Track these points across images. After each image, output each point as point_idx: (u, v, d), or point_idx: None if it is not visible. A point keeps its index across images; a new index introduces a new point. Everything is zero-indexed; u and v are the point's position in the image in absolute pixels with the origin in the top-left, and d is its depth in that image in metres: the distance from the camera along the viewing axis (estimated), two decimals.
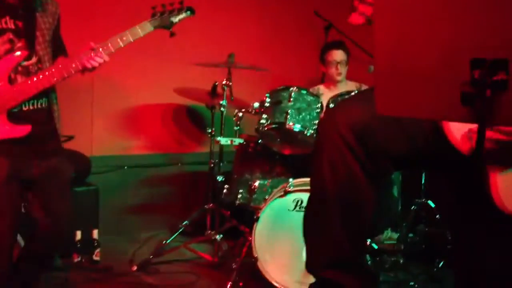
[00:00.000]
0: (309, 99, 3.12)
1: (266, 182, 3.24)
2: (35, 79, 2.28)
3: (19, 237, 2.69)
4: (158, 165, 4.25)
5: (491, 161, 1.48)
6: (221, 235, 3.47)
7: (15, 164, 2.30)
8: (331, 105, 3.13)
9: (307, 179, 2.61)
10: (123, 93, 4.08)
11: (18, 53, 2.26)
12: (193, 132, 4.45)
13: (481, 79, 1.15)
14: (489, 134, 1.40)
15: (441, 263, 3.25)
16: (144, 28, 2.36)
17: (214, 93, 3.64)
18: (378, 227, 3.52)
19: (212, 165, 3.72)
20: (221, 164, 3.80)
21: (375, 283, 2.00)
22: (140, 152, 4.23)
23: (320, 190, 1.79)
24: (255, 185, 3.22)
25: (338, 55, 3.87)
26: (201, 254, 3.45)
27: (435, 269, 3.25)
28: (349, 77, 3.97)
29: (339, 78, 3.88)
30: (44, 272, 2.74)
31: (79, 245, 3.27)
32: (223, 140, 3.46)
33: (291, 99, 3.06)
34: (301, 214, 1.93)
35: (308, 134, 3.04)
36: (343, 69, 3.88)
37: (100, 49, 2.32)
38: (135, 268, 3.30)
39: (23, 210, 2.49)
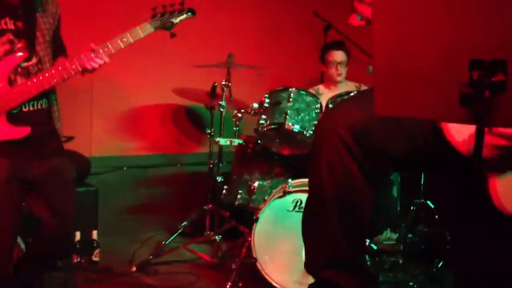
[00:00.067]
0: (308, 100, 3.12)
1: (265, 182, 3.24)
2: (34, 80, 2.27)
3: (19, 238, 2.69)
4: (157, 165, 4.25)
5: (492, 169, 1.48)
6: (221, 236, 3.47)
7: (15, 164, 2.30)
8: (330, 106, 3.13)
9: (306, 180, 2.59)
10: (122, 94, 4.08)
11: (19, 54, 2.25)
12: (192, 133, 4.44)
13: (480, 80, 1.15)
14: (489, 139, 1.40)
15: (441, 263, 3.25)
16: (144, 30, 2.35)
17: (213, 93, 3.64)
18: (377, 227, 3.53)
19: (211, 165, 3.72)
20: (220, 164, 3.80)
21: (374, 283, 2.01)
22: (140, 152, 4.23)
23: (318, 190, 1.80)
24: (254, 186, 3.22)
25: (338, 55, 3.86)
26: (201, 254, 3.44)
27: (434, 270, 3.25)
28: (349, 77, 3.97)
29: (339, 78, 3.88)
30: (47, 272, 2.74)
31: (78, 246, 3.27)
32: (222, 141, 3.46)
33: (290, 99, 3.07)
34: (300, 214, 1.93)
35: (307, 135, 3.04)
36: (343, 70, 3.88)
37: (100, 50, 2.31)
38: (134, 268, 3.30)
39: (23, 210, 2.49)
